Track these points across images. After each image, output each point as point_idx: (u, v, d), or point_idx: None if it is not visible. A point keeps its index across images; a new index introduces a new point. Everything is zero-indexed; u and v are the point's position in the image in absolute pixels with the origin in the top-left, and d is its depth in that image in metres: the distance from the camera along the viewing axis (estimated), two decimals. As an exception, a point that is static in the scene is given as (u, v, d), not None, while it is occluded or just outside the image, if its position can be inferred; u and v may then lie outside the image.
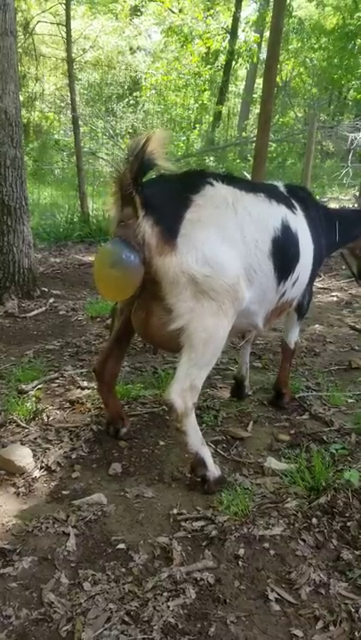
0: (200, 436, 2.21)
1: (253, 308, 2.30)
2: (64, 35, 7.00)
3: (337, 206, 10.49)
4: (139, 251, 1.97)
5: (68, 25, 6.99)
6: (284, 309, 2.65)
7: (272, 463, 2.37)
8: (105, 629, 1.58)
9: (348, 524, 2.02)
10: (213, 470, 2.22)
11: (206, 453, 2.22)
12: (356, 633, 1.61)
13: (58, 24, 7.86)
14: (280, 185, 2.64)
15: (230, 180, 2.26)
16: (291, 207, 2.48)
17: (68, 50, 7.04)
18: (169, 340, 2.15)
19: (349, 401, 3.01)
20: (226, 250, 2.08)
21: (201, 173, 2.26)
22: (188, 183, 2.12)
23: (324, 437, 2.61)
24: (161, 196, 2.02)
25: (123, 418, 2.60)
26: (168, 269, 1.99)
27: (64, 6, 7.03)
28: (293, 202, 2.54)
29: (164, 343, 2.28)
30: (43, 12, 8.51)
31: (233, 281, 2.08)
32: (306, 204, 2.63)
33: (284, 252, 2.32)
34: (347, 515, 2.05)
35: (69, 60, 7.04)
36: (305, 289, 2.70)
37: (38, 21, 7.70)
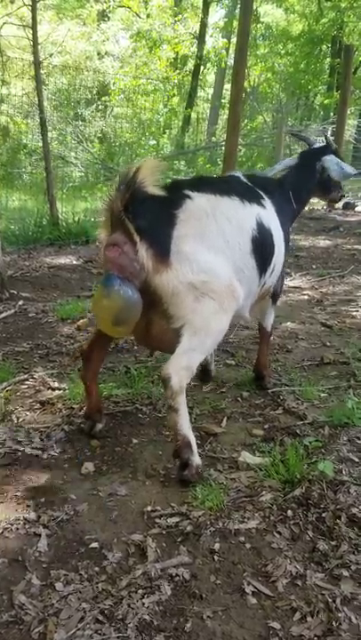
0: (188, 419, 2.23)
1: (242, 302, 2.44)
2: (30, 36, 6.92)
3: (306, 208, 10.61)
4: (135, 280, 2.08)
5: (34, 27, 6.91)
6: (264, 296, 2.83)
7: (246, 457, 2.35)
8: (78, 629, 1.53)
9: (324, 514, 2.01)
10: (197, 456, 2.23)
11: (192, 438, 2.24)
12: (333, 623, 1.59)
13: (24, 26, 7.77)
14: (241, 175, 2.77)
15: (202, 185, 2.41)
16: (260, 201, 2.61)
17: (35, 52, 6.96)
18: (170, 344, 2.24)
19: (322, 395, 3.01)
20: (214, 256, 2.23)
21: (176, 186, 2.37)
22: (169, 199, 2.22)
23: (298, 431, 2.61)
24: (149, 217, 2.12)
25: (100, 412, 2.58)
26: (167, 283, 2.11)
27: (30, 8, 6.95)
28: (259, 192, 2.66)
29: (164, 347, 2.39)
30: (8, 14, 8.42)
31: (228, 282, 2.24)
32: (269, 190, 2.76)
33: (262, 249, 2.49)
34: (322, 506, 2.05)
35: (36, 62, 6.96)
36: (279, 275, 2.85)
37: (4, 23, 7.61)
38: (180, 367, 2.15)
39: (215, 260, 2.23)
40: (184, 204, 2.24)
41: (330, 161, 3.08)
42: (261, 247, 2.49)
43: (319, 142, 3.33)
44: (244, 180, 2.72)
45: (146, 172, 2.09)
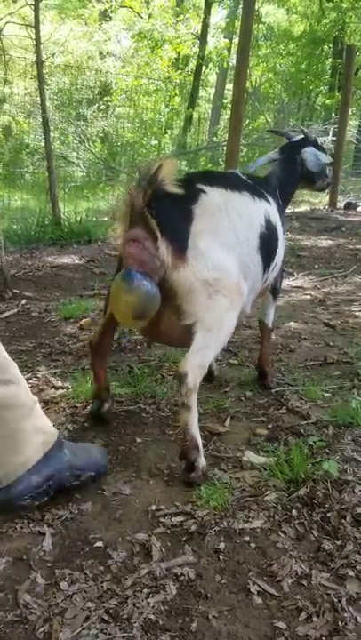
0: (197, 420, 2.23)
1: (246, 299, 2.46)
2: (33, 36, 6.91)
3: (308, 208, 10.61)
4: (155, 276, 2.08)
5: (36, 26, 6.90)
6: (264, 291, 2.86)
7: (250, 457, 2.35)
8: (83, 629, 1.53)
9: (328, 514, 2.00)
10: (203, 458, 2.23)
11: (200, 439, 2.23)
12: (339, 623, 1.59)
13: (27, 26, 7.78)
14: (240, 173, 2.78)
15: (212, 179, 2.43)
16: (266, 197, 2.64)
17: (37, 51, 6.94)
18: (179, 338, 2.27)
19: (326, 395, 3.01)
20: (226, 253, 2.25)
21: (190, 180, 2.38)
22: (185, 195, 2.23)
23: (302, 430, 2.60)
24: (169, 213, 2.14)
25: (108, 390, 2.64)
26: (184, 279, 2.13)
27: (33, 7, 6.95)
28: (261, 190, 2.68)
29: (174, 342, 2.45)
30: (10, 13, 8.43)
31: (238, 279, 2.27)
32: (267, 188, 2.80)
33: (268, 245, 2.52)
34: (326, 505, 2.04)
35: (38, 62, 6.95)
36: (279, 271, 2.88)
37: (7, 22, 7.62)
38: (195, 365, 2.16)
39: (227, 257, 2.24)
40: (200, 198, 2.26)
41: (308, 152, 3.11)
42: (268, 243, 2.51)
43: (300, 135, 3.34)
44: (244, 177, 2.74)
45: (167, 170, 2.10)
